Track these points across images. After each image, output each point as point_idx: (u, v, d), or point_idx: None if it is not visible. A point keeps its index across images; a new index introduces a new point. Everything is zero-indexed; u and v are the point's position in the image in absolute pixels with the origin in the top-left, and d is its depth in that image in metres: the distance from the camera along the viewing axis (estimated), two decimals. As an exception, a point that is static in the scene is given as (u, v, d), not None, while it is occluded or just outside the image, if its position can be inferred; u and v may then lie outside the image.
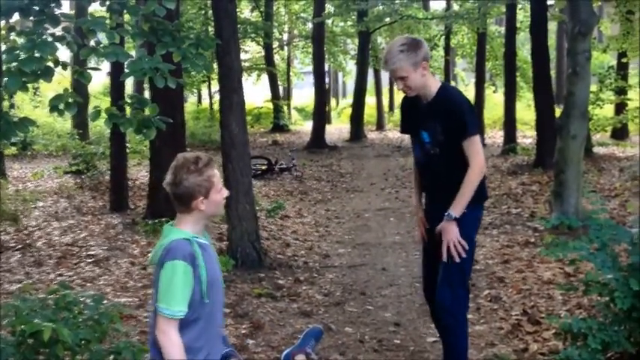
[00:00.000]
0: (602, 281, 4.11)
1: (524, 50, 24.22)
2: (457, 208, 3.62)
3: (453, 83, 29.85)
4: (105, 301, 4.30)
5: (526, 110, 21.62)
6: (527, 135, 19.25)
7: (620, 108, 17.17)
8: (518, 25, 18.09)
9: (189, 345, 2.73)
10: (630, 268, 4.04)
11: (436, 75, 26.48)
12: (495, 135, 21.02)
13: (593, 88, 13.62)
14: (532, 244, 7.26)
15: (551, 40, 22.91)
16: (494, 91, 28.00)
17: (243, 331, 5.00)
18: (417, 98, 3.74)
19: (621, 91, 16.17)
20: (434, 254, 3.80)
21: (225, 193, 2.85)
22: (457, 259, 3.64)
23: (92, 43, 4.71)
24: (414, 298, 5.65)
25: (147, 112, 5.20)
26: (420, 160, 3.87)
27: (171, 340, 2.67)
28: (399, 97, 36.11)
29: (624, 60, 17.07)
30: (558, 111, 10.12)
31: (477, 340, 4.69)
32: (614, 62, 18.71)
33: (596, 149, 15.50)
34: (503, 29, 19.48)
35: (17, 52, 4.17)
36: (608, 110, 17.85)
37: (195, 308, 2.73)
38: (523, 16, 19.76)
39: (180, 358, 2.67)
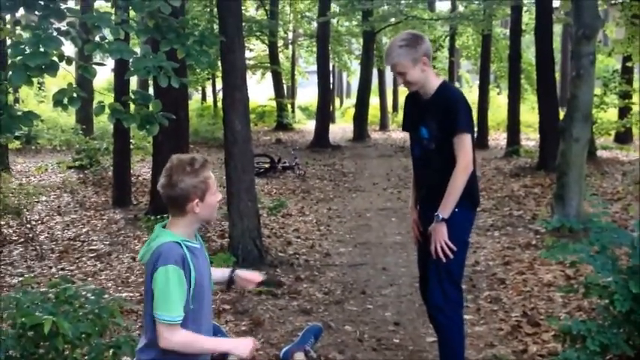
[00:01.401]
0: (602, 284, 4.11)
1: (528, 53, 24.20)
2: (445, 209, 3.62)
3: (457, 84, 29.84)
4: (106, 296, 4.32)
5: (530, 113, 21.61)
6: (530, 137, 19.24)
7: (624, 112, 17.17)
8: (523, 27, 18.09)
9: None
10: (630, 272, 4.05)
11: (440, 76, 26.49)
12: (499, 137, 21.00)
13: (598, 91, 13.63)
14: (533, 246, 7.26)
15: (556, 43, 22.92)
16: (498, 93, 27.98)
17: (243, 328, 5.01)
18: (418, 95, 3.75)
19: (625, 95, 16.17)
20: (427, 255, 3.83)
21: (220, 196, 2.82)
22: (444, 260, 3.64)
23: (97, 38, 4.73)
24: (413, 298, 5.66)
25: (150, 108, 5.22)
26: (417, 157, 3.87)
27: (185, 340, 2.66)
28: (402, 97, 36.04)
29: (629, 64, 17.05)
30: (562, 114, 10.11)
31: (477, 340, 4.70)
32: (618, 66, 18.69)
33: (600, 153, 15.48)
34: (508, 31, 19.45)
35: (22, 46, 4.18)
36: (612, 114, 17.84)
37: (185, 312, 2.73)
38: (528, 18, 19.73)
39: (205, 343, 2.70)
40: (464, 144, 3.57)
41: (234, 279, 3.11)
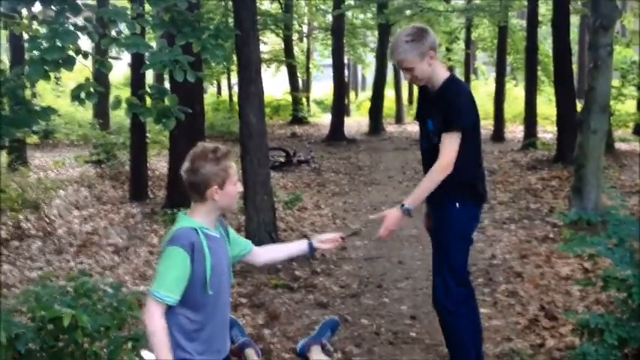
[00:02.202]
0: (620, 277, 4.08)
1: (545, 44, 23.98)
2: (410, 199, 3.60)
3: (473, 77, 29.69)
4: (123, 289, 4.35)
5: (547, 105, 21.43)
6: (547, 130, 19.09)
7: (642, 103, 16.98)
8: (540, 18, 17.92)
9: (192, 336, 2.76)
10: (649, 265, 4.01)
11: (456, 68, 26.43)
12: (515, 129, 20.87)
13: (616, 83, 13.49)
14: (551, 239, 7.22)
15: (574, 35, 22.70)
16: (515, 85, 27.78)
17: (260, 322, 5.03)
18: (427, 87, 3.72)
19: (644, 86, 15.98)
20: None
21: (240, 187, 2.86)
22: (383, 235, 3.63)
23: (113, 33, 4.75)
24: (429, 292, 5.57)
25: (166, 102, 5.24)
26: (424, 150, 3.85)
27: (155, 324, 2.68)
28: (418, 90, 36.05)
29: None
30: (580, 106, 10.02)
31: (494, 334, 4.69)
32: (637, 57, 18.48)
33: (618, 145, 15.33)
34: (524, 23, 19.29)
35: (39, 40, 4.21)
36: (631, 106, 17.65)
37: (198, 299, 2.75)
38: (545, 9, 19.56)
39: (160, 343, 2.69)
40: (449, 142, 3.52)
41: (314, 247, 3.16)
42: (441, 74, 3.65)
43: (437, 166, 3.53)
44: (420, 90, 3.85)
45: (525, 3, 17.36)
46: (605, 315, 3.96)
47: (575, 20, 23.33)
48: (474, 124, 3.67)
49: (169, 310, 2.74)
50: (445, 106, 3.56)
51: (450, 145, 3.52)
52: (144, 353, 3.90)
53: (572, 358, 3.81)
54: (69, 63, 4.34)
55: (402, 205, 3.59)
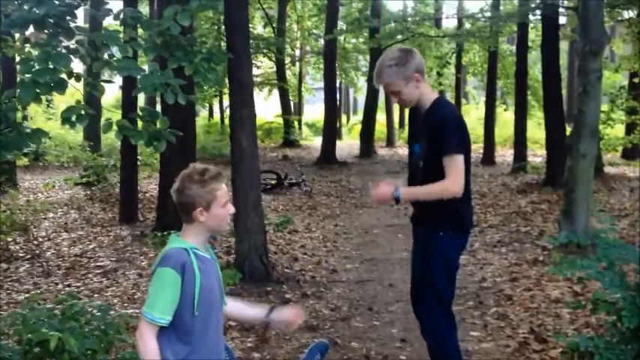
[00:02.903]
0: (609, 300, 4.09)
1: (535, 69, 24.25)
2: (406, 190, 3.57)
3: (464, 101, 29.91)
4: (112, 312, 4.33)
5: (537, 129, 21.60)
6: (537, 153, 19.22)
7: (631, 128, 17.13)
8: (529, 43, 18.13)
9: (185, 357, 2.74)
10: (638, 288, 4.03)
11: (447, 93, 26.61)
12: (505, 153, 20.98)
13: (605, 107, 13.61)
14: (540, 262, 7.22)
15: (563, 60, 22.92)
16: (505, 110, 28.00)
17: (249, 345, 5.00)
18: (417, 109, 3.69)
19: (632, 111, 16.13)
20: (417, 276, 3.80)
21: (231, 209, 2.85)
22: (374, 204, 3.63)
23: (105, 56, 4.77)
24: (420, 315, 5.63)
25: (158, 125, 5.25)
26: (410, 173, 3.81)
27: (147, 346, 2.67)
28: (408, 113, 36.17)
29: (636, 80, 17.03)
30: (569, 130, 10.10)
31: (484, 357, 4.67)
32: (625, 82, 18.69)
33: (607, 169, 15.44)
34: (514, 48, 19.50)
35: (32, 62, 4.23)
36: (619, 130, 17.81)
37: (189, 320, 2.74)
38: (535, 35, 19.79)
39: None
40: (454, 164, 3.43)
41: (270, 322, 3.06)
42: (429, 95, 3.61)
43: (445, 183, 3.43)
44: (411, 112, 3.83)
45: (515, 28, 17.56)
46: (595, 338, 3.96)
47: (564, 46, 23.60)
48: (465, 150, 3.57)
49: (161, 332, 2.73)
50: (434, 129, 3.50)
51: (455, 167, 3.43)
52: (132, 377, 3.87)
53: (562, 382, 3.81)
54: (61, 86, 4.35)
55: (397, 190, 3.54)
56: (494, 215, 10.25)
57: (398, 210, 11.46)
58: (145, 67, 5.18)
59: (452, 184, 3.44)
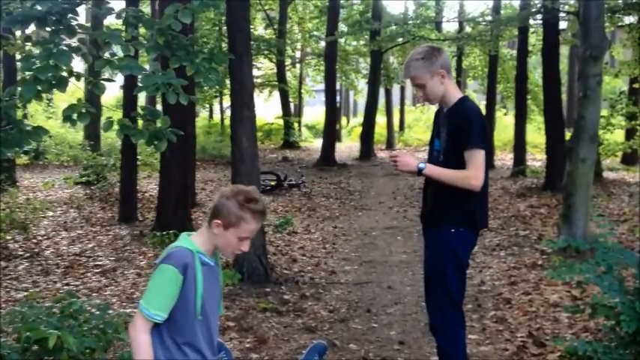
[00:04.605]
0: (608, 304, 4.09)
1: (535, 73, 24.26)
2: (431, 168, 3.58)
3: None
4: (110, 311, 4.32)
5: (536, 133, 21.62)
6: (537, 158, 19.23)
7: (630, 133, 17.14)
8: (530, 48, 18.15)
9: (176, 355, 2.74)
10: (637, 292, 4.03)
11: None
12: (505, 157, 21.00)
13: (604, 112, 13.63)
14: (539, 266, 7.23)
15: (563, 65, 22.96)
16: (505, 114, 28.02)
17: (247, 345, 5.00)
18: (441, 108, 3.76)
19: (632, 117, 16.14)
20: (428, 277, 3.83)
21: (245, 248, 2.81)
22: (395, 170, 3.66)
23: (107, 54, 4.78)
24: (419, 317, 5.64)
25: (158, 124, 5.25)
26: None
27: (139, 340, 2.67)
28: (409, 116, 35.96)
29: (636, 85, 17.05)
30: (569, 135, 10.11)
31: (482, 360, 4.68)
32: (625, 87, 18.70)
33: (606, 174, 15.45)
34: (515, 52, 19.53)
35: (33, 60, 4.23)
36: (619, 135, 17.83)
37: (185, 322, 2.73)
38: (535, 39, 19.81)
39: (145, 358, 2.68)
40: (476, 159, 3.48)
41: None
42: (454, 94, 3.68)
43: (466, 173, 3.49)
44: (436, 114, 3.89)
45: (516, 33, 17.58)
46: (593, 342, 3.96)
47: (564, 50, 23.64)
48: (487, 145, 3.65)
49: (155, 328, 2.73)
50: (457, 125, 3.57)
51: (476, 162, 3.48)
52: (130, 376, 3.86)
53: (560, 385, 3.81)
54: (62, 84, 4.35)
55: (422, 162, 3.59)
56: (493, 219, 10.24)
57: (397, 212, 11.48)
58: (147, 67, 5.19)
59: (474, 177, 3.49)
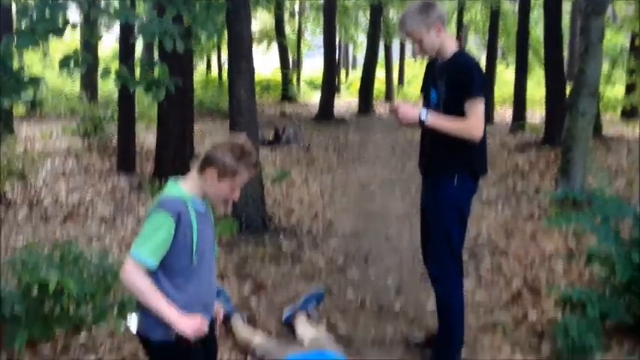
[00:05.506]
0: (603, 254, 4.14)
1: (537, 29, 24.00)
2: (434, 118, 3.57)
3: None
4: (109, 259, 4.35)
5: (536, 88, 21.49)
6: (536, 113, 19.16)
7: (631, 89, 17.07)
8: (532, 3, 17.90)
9: (174, 298, 2.77)
10: (632, 243, 4.08)
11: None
12: (505, 112, 20.91)
13: (605, 68, 13.54)
14: (536, 218, 7.28)
15: (565, 20, 22.70)
16: (506, 67, 27.79)
17: (246, 292, 5.06)
18: (436, 59, 3.75)
19: (633, 72, 16.05)
20: (427, 225, 3.86)
21: (235, 196, 2.83)
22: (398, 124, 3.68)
23: (103, 3, 4.72)
24: (415, 267, 5.69)
25: (156, 73, 5.22)
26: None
27: (141, 282, 2.68)
28: (409, 71, 35.57)
29: (637, 42, 16.92)
30: (569, 90, 10.06)
31: (477, 308, 4.74)
32: (627, 43, 18.55)
33: (606, 129, 15.42)
34: (517, 7, 19.28)
35: (29, 10, 4.19)
36: (619, 90, 17.75)
37: (181, 268, 2.76)
38: (538, -7, 19.57)
39: (155, 297, 2.70)
40: (477, 109, 3.49)
41: None
42: (451, 46, 3.67)
43: (465, 122, 3.50)
44: (428, 64, 3.89)
45: (518, -14, 17.34)
46: (587, 290, 4.02)
47: (567, 6, 23.34)
48: (486, 96, 3.66)
49: (152, 277, 2.74)
50: (456, 76, 3.56)
51: (476, 112, 3.49)
52: (130, 318, 3.92)
53: (554, 331, 3.88)
54: (58, 31, 4.31)
55: (425, 112, 3.58)
56: (491, 172, 10.26)
57: (395, 166, 11.50)
58: (143, 16, 5.13)
59: (475, 127, 3.51)
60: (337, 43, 26.82)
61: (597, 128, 13.31)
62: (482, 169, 3.79)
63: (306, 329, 4.12)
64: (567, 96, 9.46)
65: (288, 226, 7.10)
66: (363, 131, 16.98)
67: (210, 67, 31.61)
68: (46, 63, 22.53)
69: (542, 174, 10.08)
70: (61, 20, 4.34)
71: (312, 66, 35.48)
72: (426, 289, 5.02)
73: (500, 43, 23.36)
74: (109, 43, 25.00)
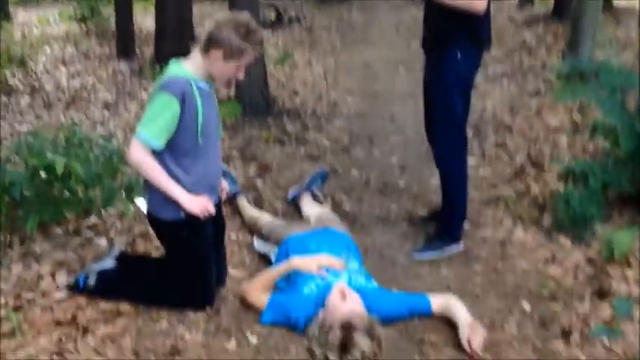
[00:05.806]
0: (608, 126, 4.12)
1: None
2: None
3: None
4: (114, 142, 4.36)
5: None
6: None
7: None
8: None
9: (180, 176, 2.80)
10: (637, 113, 4.04)
11: None
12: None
13: None
14: (542, 93, 7.20)
15: None
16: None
17: (252, 173, 5.11)
18: None
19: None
20: (430, 101, 3.82)
21: (240, 76, 2.78)
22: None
23: None
24: (419, 145, 5.68)
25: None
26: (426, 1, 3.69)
27: (148, 161, 2.72)
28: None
29: None
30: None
31: (480, 182, 4.79)
32: None
33: (617, 2, 14.94)
34: None
35: None
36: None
37: (188, 148, 2.76)
38: None
39: (162, 175, 2.73)
40: None
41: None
42: None
43: None
44: None
45: None
46: (590, 162, 4.03)
47: None
48: None
49: (158, 157, 2.76)
50: None
51: None
52: (138, 201, 3.98)
53: (556, 202, 3.93)
54: None
55: None
56: (497, 48, 10.05)
57: (400, 45, 11.27)
58: None
59: None
60: None
61: (608, 1, 12.90)
62: (486, 43, 3.68)
63: (311, 208, 4.19)
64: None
65: (292, 108, 7.06)
66: (367, 9, 16.51)
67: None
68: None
69: (550, 49, 9.86)
70: None
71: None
72: (429, 167, 5.04)
73: None
74: None
